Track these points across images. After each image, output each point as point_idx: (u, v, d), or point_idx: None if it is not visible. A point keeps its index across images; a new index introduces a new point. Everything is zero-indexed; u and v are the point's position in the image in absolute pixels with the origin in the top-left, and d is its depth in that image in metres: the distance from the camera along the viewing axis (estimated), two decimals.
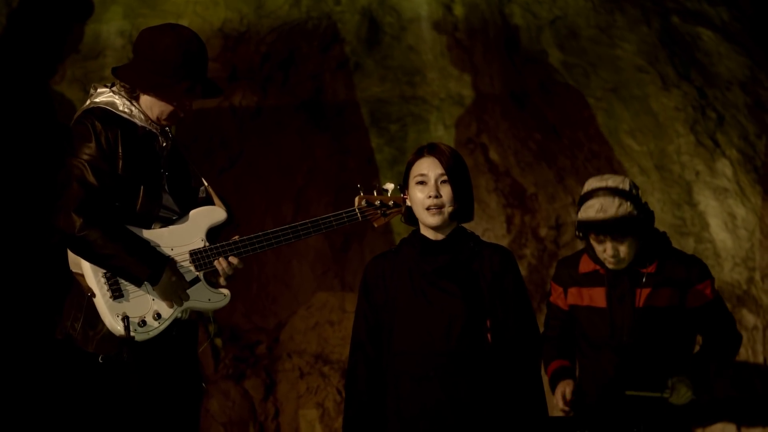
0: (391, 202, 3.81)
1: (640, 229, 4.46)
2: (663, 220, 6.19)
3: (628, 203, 4.42)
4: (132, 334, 3.54)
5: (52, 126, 6.20)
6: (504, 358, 3.55)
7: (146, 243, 3.61)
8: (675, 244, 4.75)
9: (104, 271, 3.58)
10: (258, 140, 6.59)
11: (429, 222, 3.60)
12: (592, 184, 4.53)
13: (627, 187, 4.47)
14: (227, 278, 3.72)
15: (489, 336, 3.56)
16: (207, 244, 3.72)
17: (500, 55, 6.69)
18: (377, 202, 3.80)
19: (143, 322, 3.59)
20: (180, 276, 3.63)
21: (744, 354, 6.05)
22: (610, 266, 4.52)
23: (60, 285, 3.79)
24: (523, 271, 6.17)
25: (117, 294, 3.58)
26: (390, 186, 3.82)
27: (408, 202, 3.67)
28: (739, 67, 6.46)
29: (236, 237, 3.73)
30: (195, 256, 3.69)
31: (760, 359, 6.13)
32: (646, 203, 4.54)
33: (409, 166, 3.66)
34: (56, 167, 3.63)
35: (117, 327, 3.54)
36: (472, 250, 3.63)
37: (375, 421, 3.60)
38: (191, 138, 6.35)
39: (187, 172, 3.85)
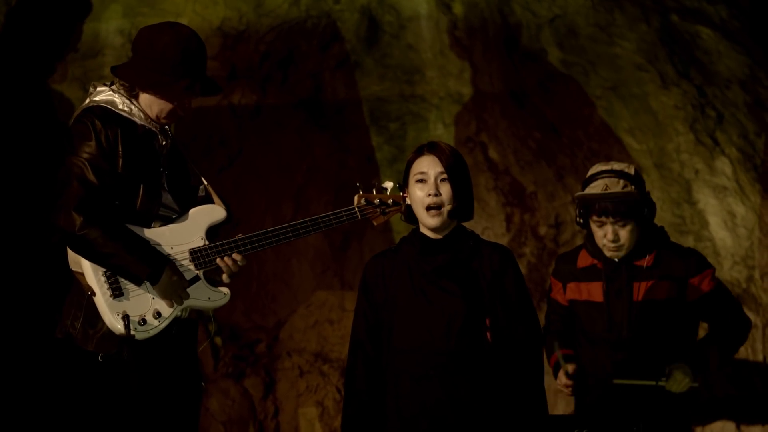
0: (390, 201, 3.81)
1: (641, 215, 4.45)
2: (662, 219, 6.19)
3: (632, 186, 4.42)
4: (132, 332, 3.54)
5: (51, 125, 6.20)
6: (505, 357, 3.55)
7: (146, 242, 3.61)
8: (669, 238, 4.75)
9: (104, 269, 3.58)
10: (257, 139, 6.59)
11: (428, 221, 3.60)
12: (597, 167, 4.54)
13: (632, 171, 4.47)
14: (231, 275, 3.73)
15: (489, 335, 3.56)
16: (207, 242, 3.72)
17: (500, 54, 6.69)
18: (376, 201, 3.80)
19: (143, 321, 3.59)
20: (180, 275, 3.63)
21: (744, 352, 6.05)
22: (608, 253, 4.50)
23: (60, 284, 3.79)
24: (523, 270, 6.16)
25: (117, 293, 3.58)
26: (389, 184, 3.82)
27: (408, 201, 3.67)
28: (738, 65, 6.46)
29: (240, 234, 3.74)
30: (195, 254, 3.69)
31: (760, 357, 6.13)
32: (649, 193, 4.54)
33: (409, 164, 3.66)
34: (56, 166, 3.63)
35: (117, 326, 3.54)
36: (472, 248, 3.63)
37: (374, 419, 3.60)
38: (191, 137, 6.35)
39: (187, 170, 3.85)
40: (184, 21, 5.96)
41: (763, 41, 6.51)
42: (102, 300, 3.57)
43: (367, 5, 6.69)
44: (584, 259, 4.63)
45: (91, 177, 3.54)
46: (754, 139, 6.37)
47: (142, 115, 3.71)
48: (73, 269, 3.66)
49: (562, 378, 4.57)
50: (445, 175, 3.59)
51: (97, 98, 3.70)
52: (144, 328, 3.59)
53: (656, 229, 4.60)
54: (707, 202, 6.32)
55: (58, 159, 3.63)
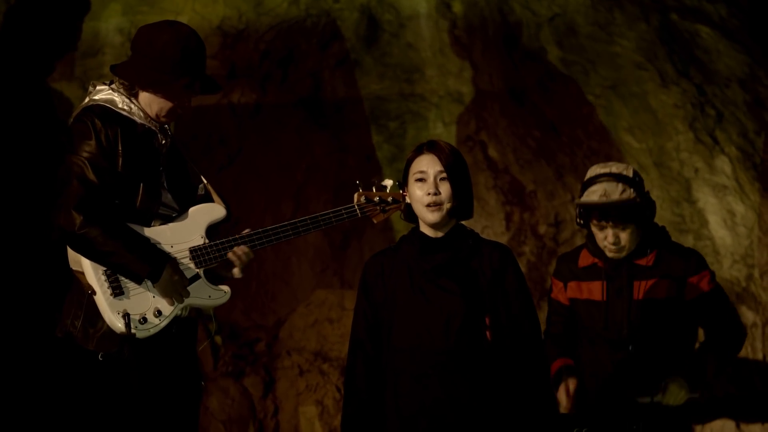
0: (389, 198, 3.81)
1: (641, 217, 4.46)
2: (662, 217, 6.19)
3: (631, 189, 4.43)
4: (133, 331, 3.54)
5: (51, 124, 6.20)
6: (507, 355, 3.55)
7: (146, 240, 3.61)
8: (671, 237, 4.75)
9: (104, 268, 3.58)
10: (257, 138, 6.59)
11: (428, 219, 3.60)
12: (595, 170, 4.54)
13: (630, 173, 4.47)
14: (243, 268, 3.73)
15: (488, 334, 3.56)
16: (206, 241, 3.72)
17: (499, 53, 6.69)
18: (376, 199, 3.81)
19: (144, 319, 3.59)
20: (180, 273, 3.63)
21: (743, 351, 6.05)
22: (609, 254, 4.51)
23: (60, 283, 3.79)
24: (522, 269, 6.16)
25: (117, 291, 3.59)
26: (389, 182, 3.82)
27: (407, 199, 3.67)
28: (738, 64, 6.46)
29: (248, 230, 3.74)
30: (195, 253, 3.69)
31: (760, 356, 6.13)
32: (648, 192, 4.54)
33: (409, 163, 3.66)
34: (56, 165, 3.63)
35: (118, 324, 3.54)
36: (472, 247, 3.63)
37: (374, 418, 3.60)
38: (190, 135, 6.35)
39: (186, 169, 3.85)
40: (183, 20, 5.95)
41: (762, 40, 6.52)
42: (102, 299, 3.57)
43: (366, 4, 6.70)
44: (585, 259, 4.63)
45: (91, 176, 3.54)
46: (753, 137, 6.37)
47: (141, 113, 3.71)
48: (74, 268, 3.66)
49: (563, 397, 4.57)
50: (444, 175, 3.59)
51: (96, 97, 3.70)
52: (144, 326, 3.59)
53: (657, 229, 4.60)
54: (707, 200, 6.33)
55: (58, 158, 3.63)
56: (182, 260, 3.67)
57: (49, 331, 3.75)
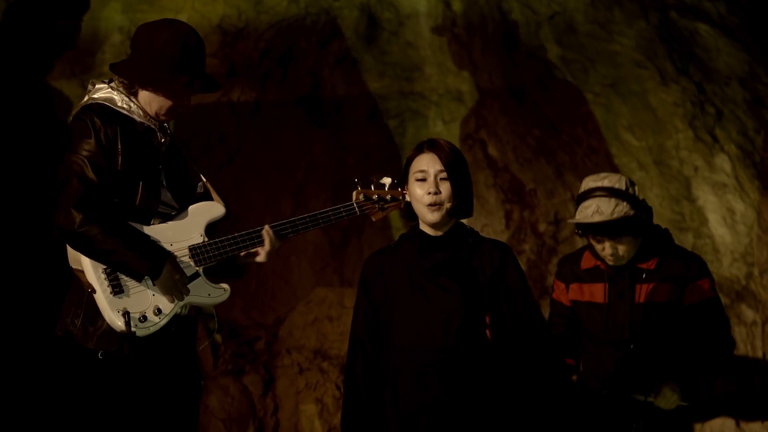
0: (388, 196, 3.80)
1: (637, 228, 4.47)
2: (662, 216, 6.19)
3: (625, 203, 4.43)
4: (133, 329, 3.54)
5: (50, 122, 6.20)
6: (513, 351, 3.54)
7: (146, 237, 3.61)
8: (674, 240, 4.76)
9: (104, 266, 3.58)
10: (257, 136, 6.59)
11: (428, 218, 3.60)
12: (588, 183, 4.54)
13: (623, 186, 4.47)
14: (270, 250, 3.72)
15: (488, 332, 3.56)
16: (206, 239, 3.72)
17: (499, 51, 6.69)
18: (375, 197, 3.81)
19: (144, 318, 3.59)
20: (180, 271, 3.63)
21: (743, 349, 6.06)
22: (610, 263, 4.53)
23: (60, 281, 3.79)
24: (522, 267, 6.16)
25: (117, 289, 3.58)
26: (387, 180, 3.82)
27: (407, 198, 3.66)
28: (737, 62, 6.46)
29: (266, 226, 3.73)
30: (194, 251, 3.69)
31: (759, 354, 6.13)
32: (644, 200, 4.55)
33: (409, 161, 3.66)
34: (55, 163, 3.63)
35: (117, 322, 3.54)
36: (471, 246, 3.63)
37: (373, 417, 3.60)
38: (190, 134, 6.35)
39: (186, 168, 3.85)
40: (183, 18, 5.97)
41: (762, 38, 6.52)
42: (102, 297, 3.57)
43: (366, 2, 6.70)
44: (588, 261, 4.64)
45: (91, 174, 3.54)
46: (753, 136, 6.37)
47: (141, 112, 3.71)
48: (73, 267, 3.66)
49: None
50: (444, 174, 3.59)
51: (96, 96, 3.70)
52: (144, 324, 3.59)
53: (660, 232, 4.61)
54: (706, 199, 6.33)
55: (58, 156, 3.63)
56: (182, 258, 3.67)
57: (49, 329, 3.75)
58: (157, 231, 3.67)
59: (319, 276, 6.53)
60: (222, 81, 6.01)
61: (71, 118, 3.66)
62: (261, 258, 3.76)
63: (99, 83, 3.75)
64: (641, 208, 4.50)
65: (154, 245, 3.61)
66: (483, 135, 6.60)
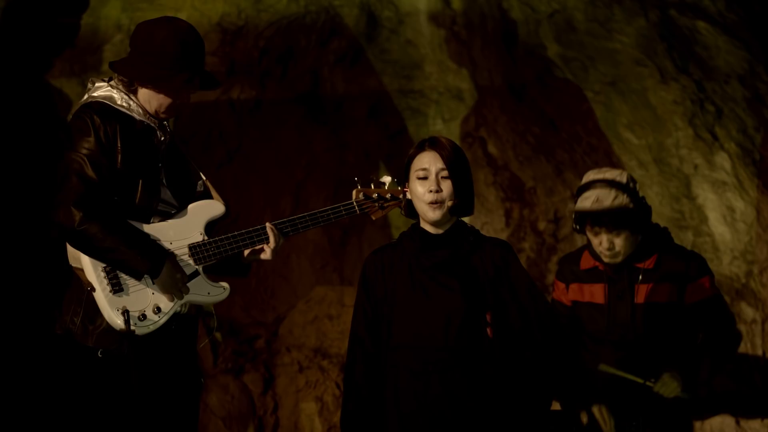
0: (388, 195, 3.80)
1: (635, 223, 4.47)
2: (662, 214, 6.19)
3: (625, 195, 4.44)
4: (132, 327, 3.54)
5: (50, 121, 6.20)
6: (518, 348, 3.54)
7: (146, 236, 3.61)
8: (674, 238, 4.76)
9: (104, 265, 3.58)
10: (256, 134, 6.59)
11: (430, 216, 3.60)
12: (590, 176, 4.56)
13: (624, 180, 4.48)
14: (274, 248, 3.71)
15: (489, 331, 3.56)
16: (206, 237, 3.72)
17: (498, 49, 6.69)
18: (375, 195, 3.81)
19: (143, 316, 3.59)
20: (180, 269, 3.63)
21: (743, 347, 6.06)
22: (605, 260, 4.52)
23: (59, 280, 3.79)
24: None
25: (117, 288, 3.58)
26: (387, 179, 3.82)
27: (408, 196, 3.66)
28: (737, 60, 6.46)
29: (268, 223, 3.73)
30: (194, 249, 3.69)
31: (759, 352, 6.13)
32: (643, 198, 4.55)
33: (410, 159, 3.65)
34: (55, 162, 3.62)
35: (117, 321, 3.54)
36: (472, 244, 3.63)
37: (373, 415, 3.60)
38: (190, 132, 6.35)
39: (185, 166, 3.85)
40: (182, 16, 5.97)
41: (761, 36, 6.52)
42: (102, 295, 3.57)
43: (366, 0, 6.69)
44: (587, 261, 4.64)
45: (90, 173, 3.54)
46: (753, 134, 6.37)
47: (140, 110, 3.71)
48: (73, 265, 3.66)
49: None
50: (446, 172, 3.58)
51: (95, 94, 3.69)
52: (144, 323, 3.59)
53: (659, 231, 4.61)
54: (706, 197, 6.33)
55: (57, 155, 3.62)
56: (181, 257, 3.67)
57: (49, 327, 3.75)
58: (157, 229, 3.67)
59: (319, 274, 6.53)
60: (222, 79, 6.01)
61: (71, 117, 3.66)
62: (267, 255, 3.75)
63: (99, 81, 3.75)
64: (640, 204, 4.50)
65: (153, 244, 3.61)
66: (483, 133, 6.60)
